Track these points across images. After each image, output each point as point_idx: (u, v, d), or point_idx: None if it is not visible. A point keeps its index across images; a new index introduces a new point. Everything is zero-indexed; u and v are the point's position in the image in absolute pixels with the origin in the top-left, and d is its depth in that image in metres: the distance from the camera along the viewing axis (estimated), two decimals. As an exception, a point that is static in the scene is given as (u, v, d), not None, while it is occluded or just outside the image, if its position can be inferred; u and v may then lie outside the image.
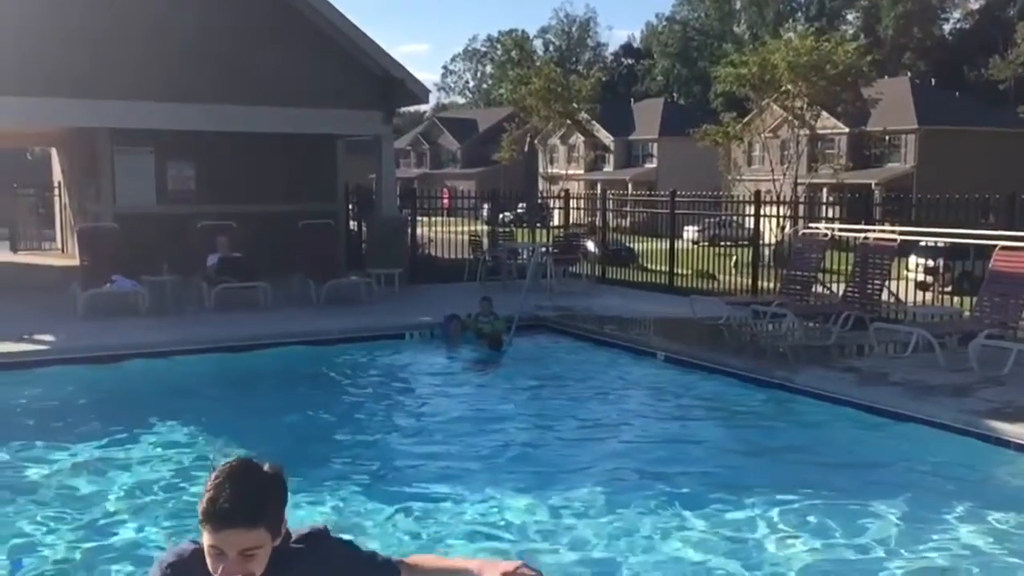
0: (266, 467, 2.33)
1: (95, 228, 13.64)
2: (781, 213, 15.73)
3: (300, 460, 6.85)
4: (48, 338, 10.22)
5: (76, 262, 14.04)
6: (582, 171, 60.39)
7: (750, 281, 15.16)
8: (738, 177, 35.95)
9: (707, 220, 23.65)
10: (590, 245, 17.49)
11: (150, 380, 9.44)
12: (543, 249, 16.41)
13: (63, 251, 21.07)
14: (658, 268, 17.16)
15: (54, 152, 22.29)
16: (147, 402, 8.60)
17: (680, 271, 16.38)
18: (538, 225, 20.80)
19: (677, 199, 16.42)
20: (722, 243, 21.39)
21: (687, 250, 17.85)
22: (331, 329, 11.23)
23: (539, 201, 25.23)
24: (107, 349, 9.90)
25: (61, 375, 9.25)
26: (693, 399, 9.05)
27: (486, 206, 20.90)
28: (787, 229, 15.18)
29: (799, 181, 32.94)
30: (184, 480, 6.41)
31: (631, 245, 18.92)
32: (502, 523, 5.83)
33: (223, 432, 7.50)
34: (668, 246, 16.34)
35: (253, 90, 14.02)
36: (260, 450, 6.81)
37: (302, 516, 5.82)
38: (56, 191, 21.77)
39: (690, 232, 21.23)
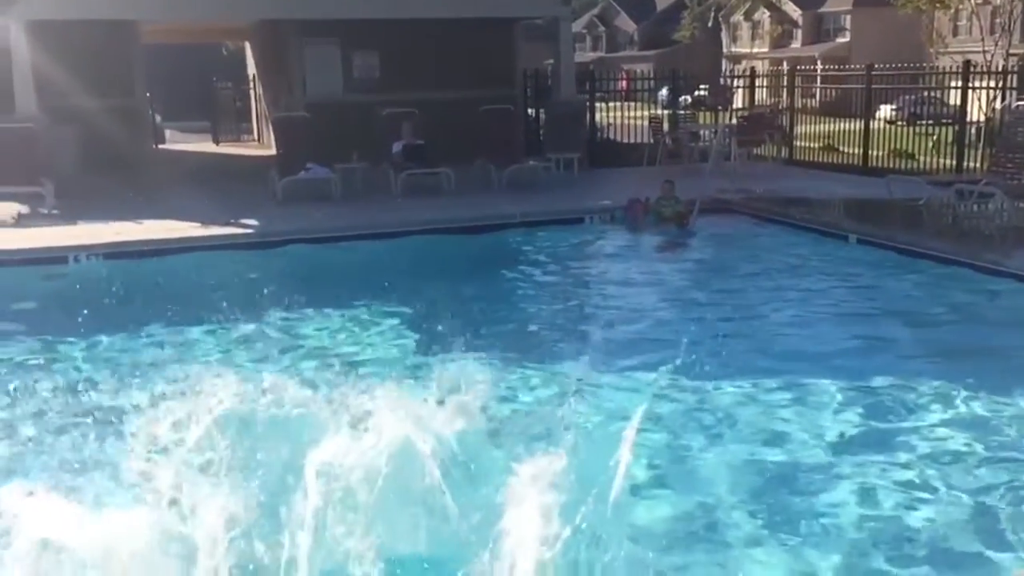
0: None
1: (289, 118, 14.21)
2: (992, 85, 14.44)
3: (476, 339, 7.02)
4: (252, 222, 10.87)
5: (272, 152, 14.79)
6: (767, 49, 57.34)
7: (953, 161, 14.13)
8: (942, 49, 33.12)
9: (905, 97, 22.08)
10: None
11: (344, 262, 9.93)
12: (726, 130, 15.89)
13: (259, 141, 22.20)
14: (850, 150, 16.25)
15: (247, 46, 23.28)
16: (342, 282, 9.05)
17: (874, 152, 15.47)
18: (720, 108, 20.10)
19: (874, 73, 15.36)
20: (921, 122, 19.92)
21: (882, 130, 16.78)
22: (512, 213, 11.37)
23: (722, 82, 24.28)
24: (304, 232, 10.45)
25: (264, 256, 9.86)
26: (888, 283, 8.65)
27: (665, 89, 20.30)
28: (998, 103, 13.96)
29: (1012, 51, 29.99)
30: (369, 348, 6.79)
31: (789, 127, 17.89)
32: (682, 407, 5.81)
33: (413, 308, 7.77)
34: (862, 126, 15.42)
35: (432, -25, 14.04)
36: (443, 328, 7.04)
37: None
38: (251, 84, 22.80)
39: (885, 111, 19.88)
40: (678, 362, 6.50)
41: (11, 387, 5.88)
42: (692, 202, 11.03)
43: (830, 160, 16.45)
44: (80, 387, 6.02)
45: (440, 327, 7.23)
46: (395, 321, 7.58)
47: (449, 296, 8.37)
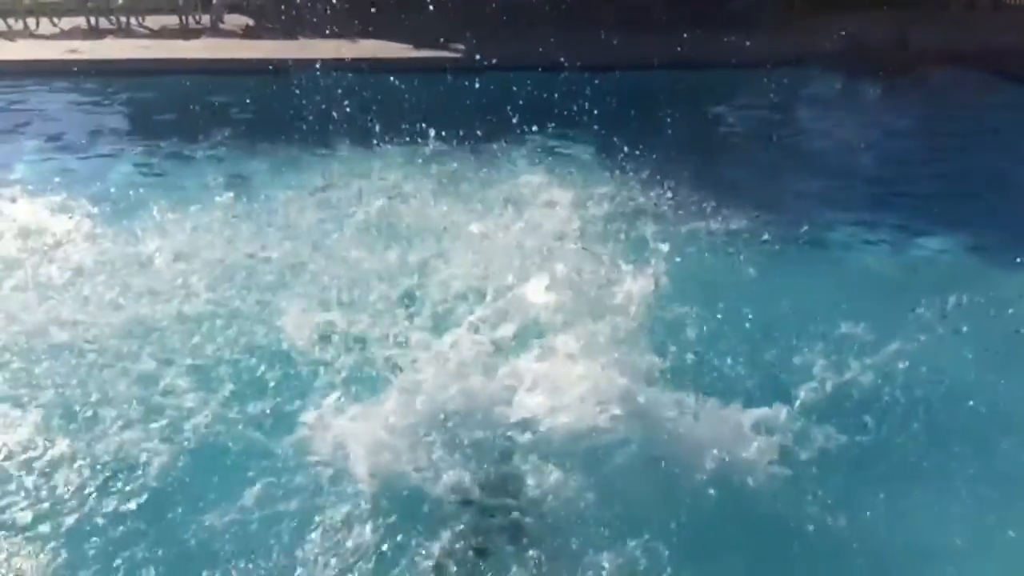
0: None
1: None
2: None
3: (683, 186, 6.89)
4: (459, 46, 10.92)
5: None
6: None
7: None
8: None
9: None
10: None
11: (548, 93, 9.77)
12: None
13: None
14: None
15: None
16: (542, 112, 8.91)
17: None
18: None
19: None
20: None
21: None
22: (723, 52, 10.83)
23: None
24: (514, 59, 10.36)
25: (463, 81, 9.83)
26: None
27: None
28: None
29: None
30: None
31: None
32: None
33: (623, 144, 7.61)
34: None
35: None
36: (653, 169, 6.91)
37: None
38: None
39: None
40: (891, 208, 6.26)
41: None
42: (924, 51, 10.17)
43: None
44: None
45: (647, 168, 7.16)
46: (615, 150, 7.46)
47: (653, 137, 8.20)
